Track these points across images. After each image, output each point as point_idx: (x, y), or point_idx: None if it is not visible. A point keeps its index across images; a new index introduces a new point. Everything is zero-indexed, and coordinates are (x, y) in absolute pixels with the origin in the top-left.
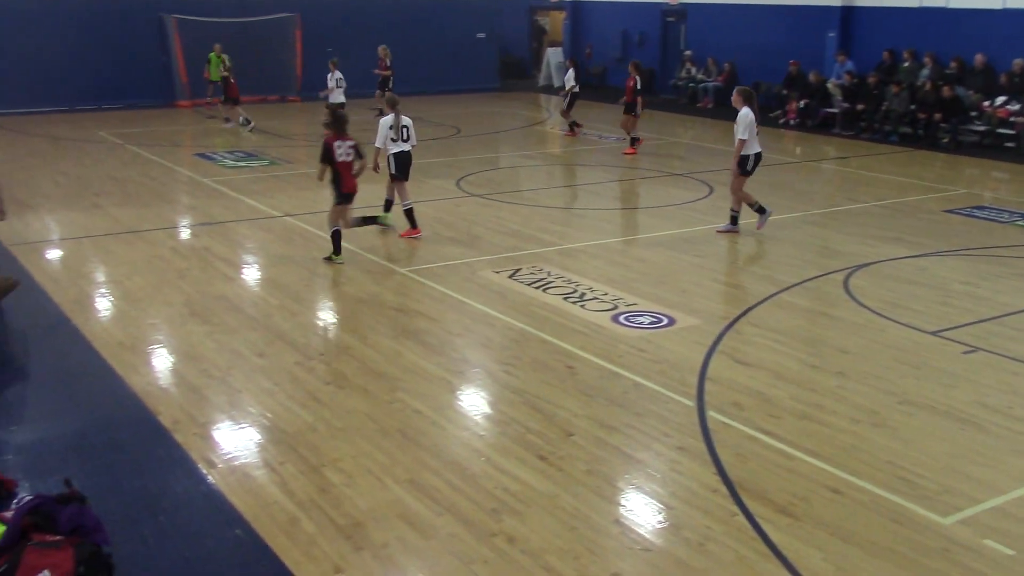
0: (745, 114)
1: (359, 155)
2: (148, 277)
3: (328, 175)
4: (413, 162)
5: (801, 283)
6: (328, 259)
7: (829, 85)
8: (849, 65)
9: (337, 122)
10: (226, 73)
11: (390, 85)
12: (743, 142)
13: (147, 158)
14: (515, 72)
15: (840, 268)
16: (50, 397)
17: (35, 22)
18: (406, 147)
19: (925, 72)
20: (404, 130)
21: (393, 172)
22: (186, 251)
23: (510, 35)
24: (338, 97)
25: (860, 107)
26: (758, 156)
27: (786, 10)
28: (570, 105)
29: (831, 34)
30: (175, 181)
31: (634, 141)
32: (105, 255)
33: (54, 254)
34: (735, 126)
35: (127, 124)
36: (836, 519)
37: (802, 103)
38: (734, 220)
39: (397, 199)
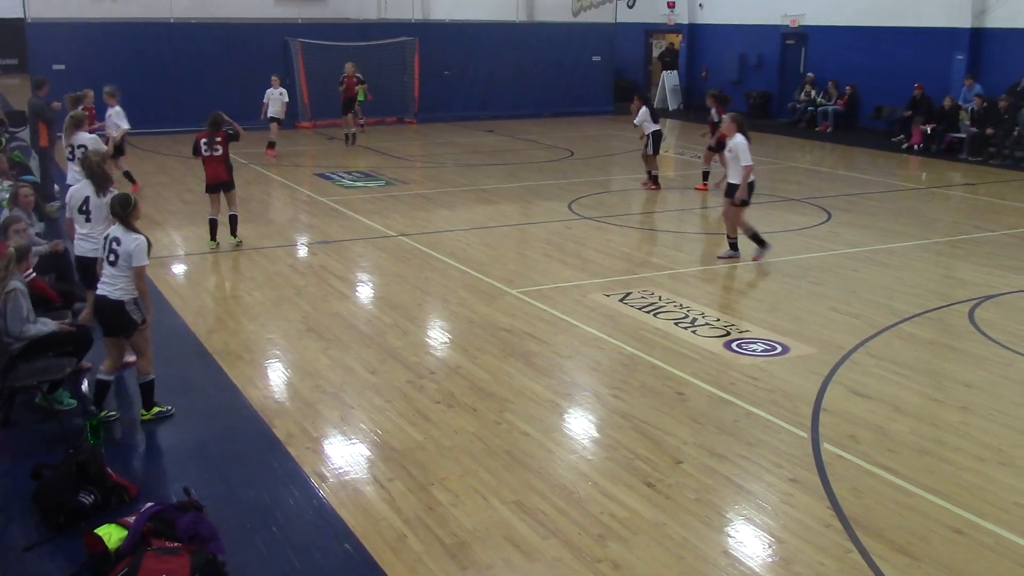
0: (742, 141)
1: (234, 138)
2: (267, 293)
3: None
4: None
5: (923, 313)
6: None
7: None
8: (978, 88)
9: (211, 122)
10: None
11: (356, 107)
12: (750, 168)
13: (269, 177)
14: (629, 95)
15: (966, 299)
16: (172, 406)
17: (169, 47)
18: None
19: None
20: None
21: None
22: (304, 268)
23: (625, 58)
24: (276, 107)
25: (989, 132)
26: (751, 185)
27: (911, 32)
28: (655, 148)
29: (959, 56)
30: (295, 200)
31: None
32: (227, 271)
33: (179, 268)
34: (735, 154)
35: (250, 144)
36: (958, 561)
37: (928, 128)
38: (733, 246)
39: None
